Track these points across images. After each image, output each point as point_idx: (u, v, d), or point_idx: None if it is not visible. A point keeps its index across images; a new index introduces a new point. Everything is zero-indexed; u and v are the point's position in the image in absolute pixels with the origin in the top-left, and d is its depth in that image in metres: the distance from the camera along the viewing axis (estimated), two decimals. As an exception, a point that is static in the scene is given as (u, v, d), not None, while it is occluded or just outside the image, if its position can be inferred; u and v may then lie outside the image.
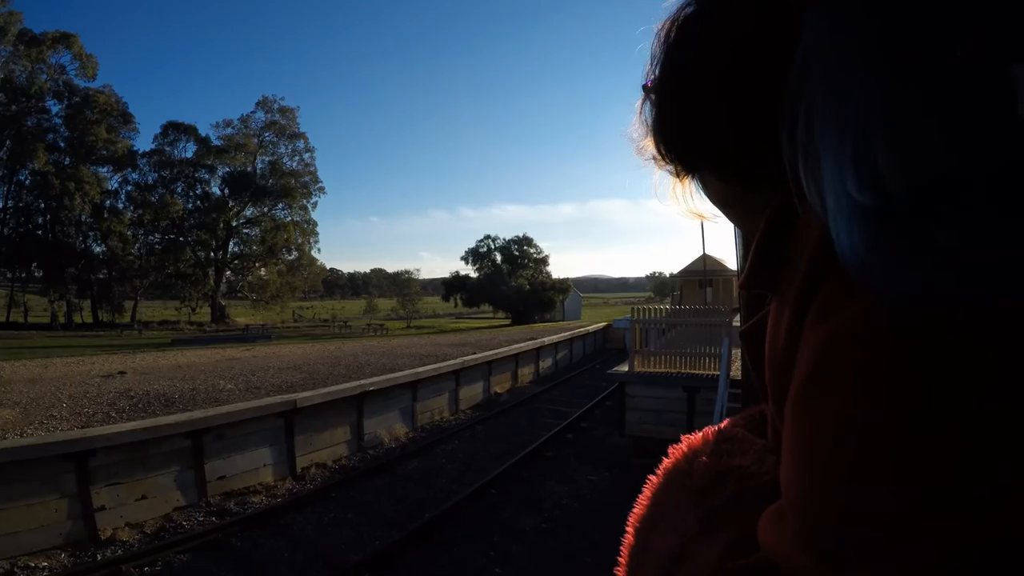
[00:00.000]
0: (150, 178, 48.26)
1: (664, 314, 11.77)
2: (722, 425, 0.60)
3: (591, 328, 28.01)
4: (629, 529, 0.55)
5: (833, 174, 0.31)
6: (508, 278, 52.90)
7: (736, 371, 9.28)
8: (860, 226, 0.30)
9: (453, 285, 56.33)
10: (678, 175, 0.58)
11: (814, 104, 0.32)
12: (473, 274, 56.29)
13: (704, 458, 0.54)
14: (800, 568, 0.34)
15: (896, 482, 0.29)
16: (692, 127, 0.52)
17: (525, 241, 57.39)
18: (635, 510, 0.56)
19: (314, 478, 8.89)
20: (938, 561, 0.27)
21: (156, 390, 10.72)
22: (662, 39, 0.53)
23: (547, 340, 20.15)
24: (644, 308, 11.48)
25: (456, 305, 57.80)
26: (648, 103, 0.56)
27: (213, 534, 6.84)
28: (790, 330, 0.39)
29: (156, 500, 7.43)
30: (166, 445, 7.58)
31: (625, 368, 10.88)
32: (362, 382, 10.28)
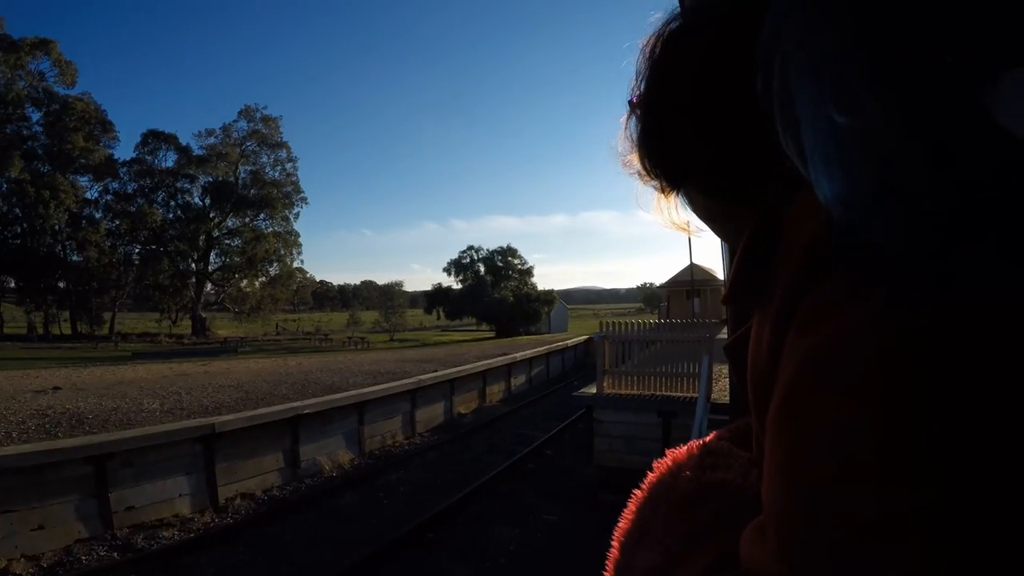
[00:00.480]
0: (130, 188, 47.11)
1: (637, 328, 10.53)
2: (707, 438, 0.59)
3: (570, 342, 26.75)
4: (614, 543, 0.54)
5: (811, 110, 0.32)
6: (491, 289, 51.38)
7: (719, 393, 8.34)
8: (842, 151, 0.30)
9: (435, 297, 54.60)
10: (663, 190, 0.58)
11: (790, 52, 0.34)
12: (456, 286, 54.57)
13: (688, 472, 0.53)
14: None
15: (877, 498, 0.28)
16: (675, 144, 0.54)
17: (509, 252, 55.59)
18: (620, 524, 0.54)
19: (238, 510, 7.94)
20: None
21: (76, 409, 9.73)
22: (647, 55, 0.53)
23: (519, 356, 19.00)
24: (614, 322, 10.35)
25: (439, 318, 56.14)
26: (633, 118, 0.56)
27: (106, 574, 6.02)
28: (771, 344, 0.39)
29: (55, 530, 6.61)
30: (66, 471, 6.73)
31: (593, 390, 9.85)
32: (294, 405, 9.29)
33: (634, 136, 0.56)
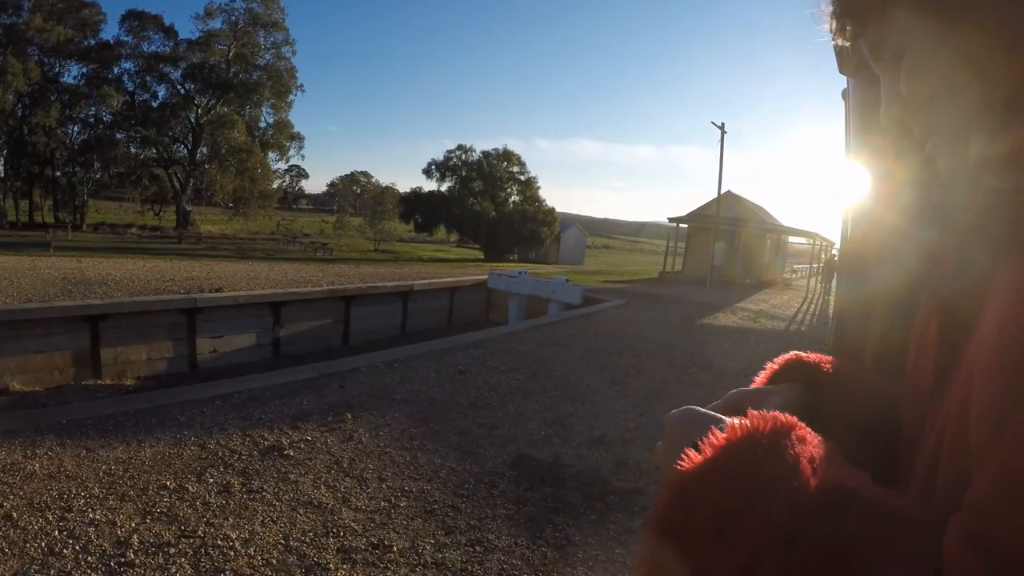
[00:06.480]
0: (108, 72, 42.73)
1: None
2: (784, 416, 0.42)
3: (420, 284, 15.74)
4: (669, 487, 0.40)
5: None
6: (478, 200, 42.43)
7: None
8: None
9: (412, 204, 45.04)
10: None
11: None
12: (442, 190, 45.09)
13: (820, 470, 0.39)
14: None
15: None
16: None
17: (506, 156, 44.85)
18: (655, 513, 0.41)
19: None
20: None
21: None
22: None
23: (224, 296, 11.47)
24: None
25: (414, 228, 47.49)
26: None
27: None
28: None
29: None
30: None
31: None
32: None
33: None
